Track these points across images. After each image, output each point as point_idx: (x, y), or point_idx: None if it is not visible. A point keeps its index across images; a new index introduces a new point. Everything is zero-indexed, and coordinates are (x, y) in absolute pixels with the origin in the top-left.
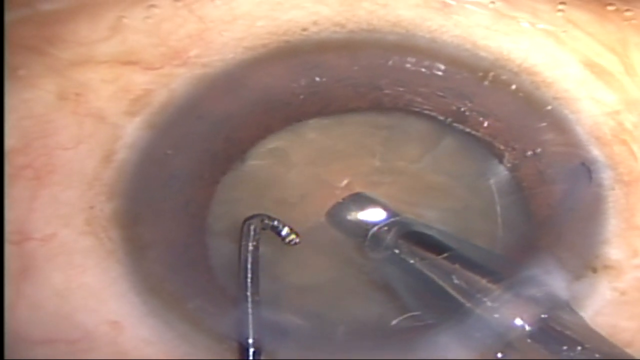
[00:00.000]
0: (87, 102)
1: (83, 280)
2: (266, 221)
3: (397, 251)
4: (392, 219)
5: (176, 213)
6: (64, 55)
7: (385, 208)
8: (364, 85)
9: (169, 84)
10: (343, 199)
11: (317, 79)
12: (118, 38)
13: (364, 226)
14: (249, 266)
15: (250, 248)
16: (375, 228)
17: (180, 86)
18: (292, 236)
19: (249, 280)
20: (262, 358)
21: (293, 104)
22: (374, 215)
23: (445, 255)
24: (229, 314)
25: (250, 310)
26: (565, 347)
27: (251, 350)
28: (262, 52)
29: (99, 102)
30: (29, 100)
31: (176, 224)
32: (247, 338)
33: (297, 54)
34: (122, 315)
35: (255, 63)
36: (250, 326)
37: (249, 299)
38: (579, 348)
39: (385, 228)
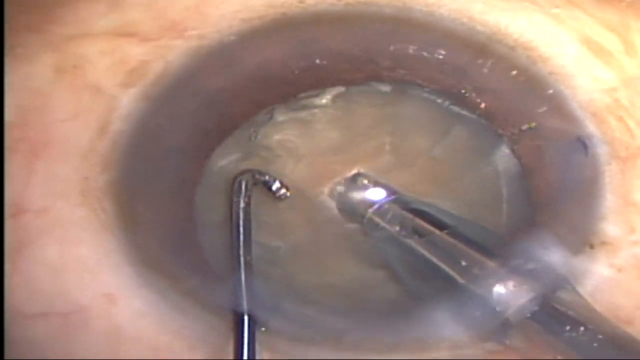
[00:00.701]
0: (84, 75)
1: (78, 253)
2: (257, 176)
3: (396, 229)
4: (391, 198)
5: (169, 185)
6: (62, 31)
7: (384, 187)
8: (360, 58)
9: (165, 55)
10: (343, 180)
11: (313, 52)
12: (116, 13)
13: (364, 206)
14: (241, 223)
15: (242, 205)
16: (375, 207)
17: (176, 58)
18: (283, 190)
19: (241, 238)
20: (256, 326)
21: (289, 79)
22: (373, 194)
23: (444, 232)
24: (222, 285)
25: (242, 271)
26: (567, 328)
27: (246, 318)
28: (258, 25)
29: (95, 74)
30: (27, 74)
31: (168, 195)
32: (241, 302)
33: (293, 26)
34: (116, 287)
35: (251, 36)
36: (244, 289)
37: (241, 259)
38: (582, 329)
39: (385, 207)
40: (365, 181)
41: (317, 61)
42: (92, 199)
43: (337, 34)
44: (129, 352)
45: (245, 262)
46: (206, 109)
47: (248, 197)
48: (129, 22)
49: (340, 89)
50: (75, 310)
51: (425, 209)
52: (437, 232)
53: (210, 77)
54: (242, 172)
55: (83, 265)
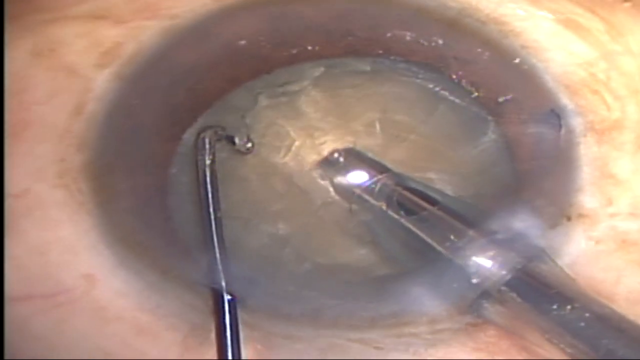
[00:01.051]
0: (60, 57)
1: (58, 234)
2: (219, 132)
3: (383, 205)
4: (381, 176)
5: (143, 164)
6: (40, 16)
7: (374, 164)
8: (333, 33)
9: (138, 36)
10: (333, 153)
11: (286, 28)
12: None
13: (353, 183)
14: (208, 180)
15: (207, 162)
16: (365, 184)
17: (149, 38)
18: (247, 145)
19: (209, 196)
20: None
21: (262, 55)
22: (363, 171)
23: (434, 208)
24: (198, 262)
25: (215, 234)
26: (545, 299)
27: (226, 297)
28: (230, 3)
29: (71, 56)
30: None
31: (143, 174)
32: (219, 278)
33: (265, 3)
34: (95, 268)
35: (223, 13)
36: (219, 261)
37: (212, 216)
38: (549, 293)
39: (373, 184)
40: (354, 158)
41: (290, 37)
42: (68, 180)
43: (309, 10)
44: (113, 331)
45: (217, 222)
46: (179, 87)
47: (212, 153)
48: (104, 6)
49: (317, 66)
50: (58, 292)
51: (413, 185)
52: (426, 208)
53: (182, 55)
54: (205, 129)
55: (63, 247)
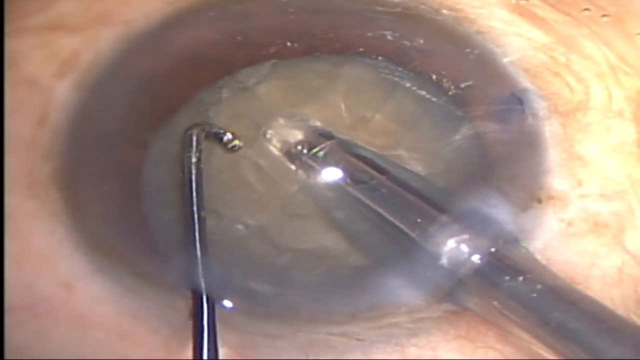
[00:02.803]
0: (19, 70)
1: (33, 245)
2: (207, 129)
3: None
4: (327, 142)
5: (111, 170)
6: None
7: (320, 132)
8: (292, 32)
9: (94, 44)
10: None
11: (244, 28)
12: (44, 9)
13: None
14: (193, 179)
15: (194, 160)
16: (310, 152)
17: (106, 46)
18: (235, 142)
19: (193, 194)
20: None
21: (221, 57)
22: (310, 137)
23: (383, 178)
24: (174, 263)
25: (197, 234)
26: (507, 278)
27: (204, 297)
28: (184, 6)
29: (30, 68)
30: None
31: (113, 180)
32: (197, 278)
33: (218, 5)
34: (72, 276)
35: (178, 17)
36: (199, 261)
37: (195, 215)
38: (520, 278)
39: (319, 152)
40: (300, 123)
41: (249, 37)
42: (38, 190)
43: (264, 9)
44: (94, 339)
45: (200, 221)
46: (140, 92)
47: (199, 151)
48: (57, 16)
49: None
50: (38, 302)
51: (361, 152)
52: (375, 177)
53: (142, 61)
54: (192, 126)
55: (39, 257)
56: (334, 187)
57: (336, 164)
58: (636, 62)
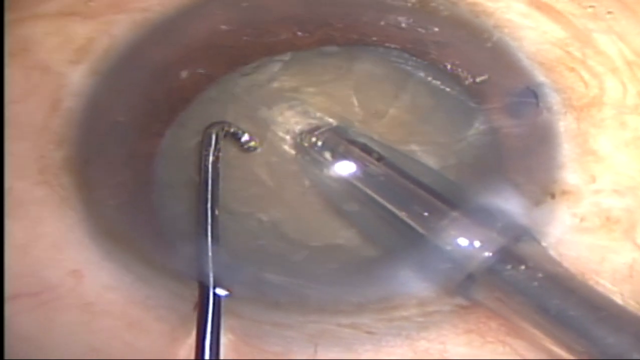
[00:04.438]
0: (33, 56)
1: (42, 231)
2: (226, 128)
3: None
4: (325, 128)
5: (123, 157)
6: (8, 16)
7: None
8: (308, 22)
9: (109, 31)
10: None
11: (259, 18)
12: None
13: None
14: (210, 177)
15: (212, 159)
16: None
17: (121, 33)
18: (252, 143)
19: (209, 194)
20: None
21: (237, 47)
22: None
23: (381, 160)
24: (183, 252)
25: (210, 233)
26: (518, 273)
27: (211, 289)
28: None
29: (44, 54)
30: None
31: (124, 167)
32: (206, 269)
33: None
34: (81, 263)
35: (194, 6)
36: (209, 253)
37: (209, 213)
38: (532, 273)
39: (318, 138)
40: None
41: (265, 27)
42: (49, 177)
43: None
44: (101, 326)
45: (213, 220)
46: (156, 82)
47: (218, 150)
48: (70, 2)
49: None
50: (44, 289)
51: (360, 139)
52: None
53: (157, 49)
54: (212, 124)
55: (48, 244)
56: (343, 178)
57: (341, 154)
58: None
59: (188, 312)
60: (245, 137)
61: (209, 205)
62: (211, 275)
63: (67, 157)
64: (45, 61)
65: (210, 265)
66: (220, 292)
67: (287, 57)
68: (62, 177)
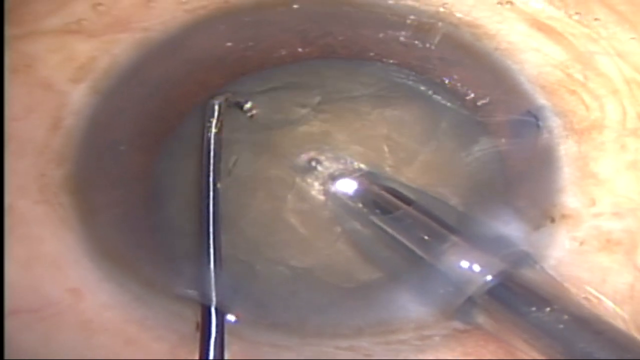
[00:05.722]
0: (35, 73)
1: (42, 250)
2: (229, 99)
3: (359, 205)
4: (357, 175)
5: (123, 176)
6: (12, 32)
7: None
8: (303, 39)
9: (111, 50)
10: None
11: (257, 35)
12: (62, 11)
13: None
14: (212, 149)
15: (214, 130)
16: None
17: (122, 52)
18: (254, 110)
19: (211, 168)
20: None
21: (235, 61)
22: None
23: (408, 208)
24: (181, 274)
25: (212, 205)
26: (531, 306)
27: (213, 310)
28: (202, 14)
29: (46, 71)
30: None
31: (124, 187)
32: (209, 290)
33: (236, 13)
34: (80, 282)
35: (195, 25)
36: (212, 272)
37: (211, 188)
38: (546, 308)
39: (349, 183)
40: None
41: (263, 44)
42: (49, 195)
43: (280, 17)
44: (100, 344)
45: (215, 192)
46: (155, 99)
47: (220, 122)
48: (74, 19)
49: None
50: (44, 306)
51: (389, 184)
52: (402, 207)
53: (157, 67)
54: (215, 95)
55: (48, 261)
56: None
57: (362, 195)
58: None
59: (188, 332)
60: (248, 105)
61: (211, 178)
62: (214, 295)
63: (67, 176)
64: (48, 79)
65: (213, 285)
66: (230, 317)
67: (315, 100)
68: (61, 197)
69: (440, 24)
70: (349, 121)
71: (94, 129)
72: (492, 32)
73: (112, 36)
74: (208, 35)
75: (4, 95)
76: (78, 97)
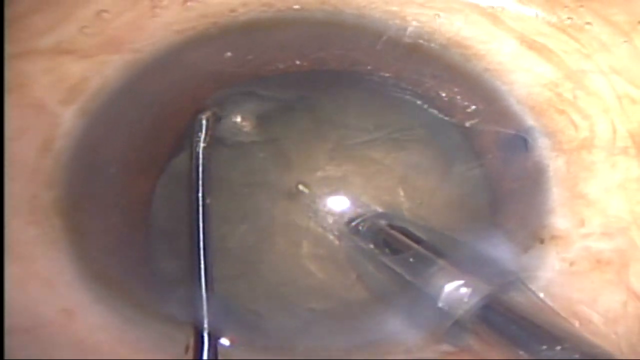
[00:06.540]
0: (29, 93)
1: (35, 270)
2: (217, 114)
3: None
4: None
5: (115, 198)
6: (9, 49)
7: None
8: (291, 62)
9: (102, 71)
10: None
11: (246, 57)
12: (56, 31)
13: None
14: (200, 163)
15: (203, 145)
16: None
17: (113, 73)
18: (244, 123)
19: (200, 183)
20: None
21: (225, 82)
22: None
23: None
24: (172, 296)
25: (201, 222)
26: (506, 319)
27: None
28: (191, 35)
29: (39, 92)
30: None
31: (115, 209)
32: (200, 312)
33: (224, 34)
34: (72, 303)
35: (185, 46)
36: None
37: (200, 204)
38: (520, 320)
39: (362, 224)
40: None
41: (252, 66)
42: (40, 217)
43: (270, 39)
44: None
45: (204, 208)
46: (145, 120)
47: (209, 136)
48: (68, 39)
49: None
50: (37, 326)
51: (399, 224)
52: (411, 246)
53: (148, 88)
54: (202, 110)
55: (41, 282)
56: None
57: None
58: None
59: (179, 355)
60: (237, 119)
61: (200, 194)
62: (206, 319)
63: (58, 198)
64: (40, 100)
65: (205, 308)
66: (224, 341)
67: (330, 145)
68: (52, 219)
69: (428, 44)
70: None
71: (85, 151)
72: (482, 52)
73: (104, 57)
74: (197, 58)
75: (4, 95)
76: (69, 118)
